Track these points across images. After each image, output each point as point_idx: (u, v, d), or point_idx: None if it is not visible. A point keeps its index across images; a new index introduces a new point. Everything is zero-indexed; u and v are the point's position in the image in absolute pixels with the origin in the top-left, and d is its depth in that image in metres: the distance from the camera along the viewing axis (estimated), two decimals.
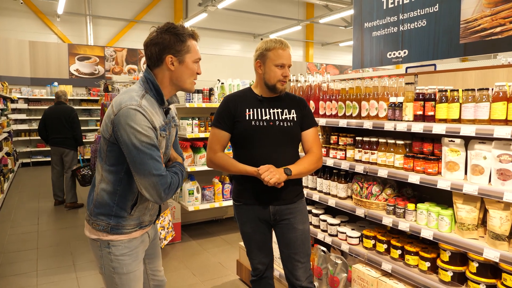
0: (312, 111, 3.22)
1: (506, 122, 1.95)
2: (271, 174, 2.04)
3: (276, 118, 2.23)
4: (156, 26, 1.73)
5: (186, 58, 1.72)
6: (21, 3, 10.76)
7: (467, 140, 2.19)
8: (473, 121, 2.08)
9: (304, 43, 17.47)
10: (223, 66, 5.89)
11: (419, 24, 2.87)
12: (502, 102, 1.94)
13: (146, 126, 1.59)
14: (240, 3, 13.36)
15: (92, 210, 1.77)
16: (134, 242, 1.82)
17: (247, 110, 2.23)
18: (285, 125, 2.23)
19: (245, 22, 15.29)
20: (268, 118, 2.22)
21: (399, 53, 3.05)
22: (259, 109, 2.24)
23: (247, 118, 2.22)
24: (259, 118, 2.22)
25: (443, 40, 2.72)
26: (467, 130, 2.04)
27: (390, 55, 3.13)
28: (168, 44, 1.67)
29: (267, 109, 2.25)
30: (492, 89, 2.03)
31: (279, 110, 2.26)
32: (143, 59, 12.97)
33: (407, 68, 3.07)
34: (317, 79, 3.29)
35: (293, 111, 2.29)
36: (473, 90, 2.08)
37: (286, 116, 2.25)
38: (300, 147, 2.44)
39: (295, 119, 2.27)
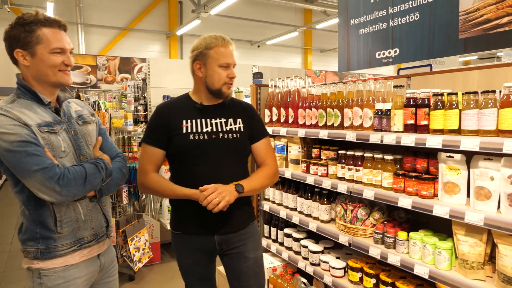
0: (291, 119, 2.82)
1: None
2: (220, 196, 1.70)
3: (220, 130, 1.90)
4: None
5: (38, 49, 1.50)
6: (8, 11, 10.49)
7: (470, 156, 1.76)
8: (476, 132, 1.66)
9: (303, 50, 17.12)
10: None
11: (411, 17, 2.46)
12: None
13: (11, 125, 1.43)
14: (235, 10, 13.05)
15: (20, 238, 1.61)
16: (71, 271, 1.58)
17: (184, 121, 1.88)
18: (231, 137, 1.91)
19: (242, 29, 14.97)
20: (209, 130, 1.89)
21: (389, 53, 2.64)
22: (198, 120, 1.90)
23: (184, 131, 1.86)
24: (199, 130, 1.88)
25: (439, 35, 2.31)
26: (469, 143, 1.62)
27: (379, 55, 2.72)
28: (14, 37, 1.50)
29: (208, 120, 1.91)
30: (500, 92, 1.61)
31: (223, 120, 1.93)
32: (137, 68, 12.66)
33: (399, 70, 2.66)
34: (297, 84, 2.88)
35: (239, 120, 1.96)
36: (475, 93, 1.66)
37: (231, 127, 1.93)
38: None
39: (242, 130, 1.95)
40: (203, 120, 1.90)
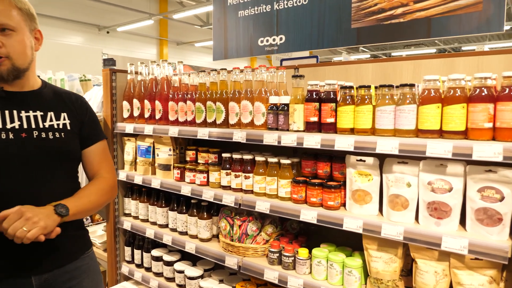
0: (159, 115, 2.25)
1: (440, 133, 1.34)
2: (29, 224, 1.17)
3: (34, 126, 1.38)
4: None
5: None
6: None
7: (381, 159, 1.53)
8: (392, 132, 1.43)
9: (158, 41, 16.16)
10: (58, 57, 4.54)
11: (299, 1, 2.18)
12: (436, 104, 1.32)
13: None
14: None
15: None
16: None
17: None
18: (51, 136, 1.40)
19: (87, 10, 13.17)
20: (17, 127, 1.35)
21: (274, 40, 2.32)
22: None
23: None
24: (0, 126, 1.32)
25: (330, 23, 2.08)
26: (387, 145, 1.38)
27: (262, 42, 2.38)
28: None
29: (14, 111, 1.36)
30: (419, 86, 1.41)
31: (38, 113, 1.41)
32: None
33: (282, 60, 2.36)
34: (166, 71, 2.32)
35: (63, 115, 1.47)
36: (391, 86, 1.43)
37: (52, 123, 1.43)
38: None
39: (69, 127, 1.47)
40: (7, 112, 1.34)
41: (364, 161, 1.53)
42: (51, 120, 1.42)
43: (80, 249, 1.50)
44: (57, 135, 1.42)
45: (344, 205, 1.65)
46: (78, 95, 1.59)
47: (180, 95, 2.15)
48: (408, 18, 1.84)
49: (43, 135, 1.38)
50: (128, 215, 2.58)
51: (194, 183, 2.13)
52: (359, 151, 1.46)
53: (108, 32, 14.03)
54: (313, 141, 1.57)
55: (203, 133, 1.99)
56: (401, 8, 1.85)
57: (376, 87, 1.49)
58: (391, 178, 1.47)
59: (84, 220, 3.22)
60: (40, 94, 1.46)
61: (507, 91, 1.20)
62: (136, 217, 2.52)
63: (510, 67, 1.53)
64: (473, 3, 1.66)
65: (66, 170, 1.47)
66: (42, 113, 1.41)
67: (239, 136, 1.83)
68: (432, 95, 1.32)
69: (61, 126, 1.44)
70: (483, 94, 1.24)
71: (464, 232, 1.32)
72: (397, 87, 1.43)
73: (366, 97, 1.47)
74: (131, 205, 2.54)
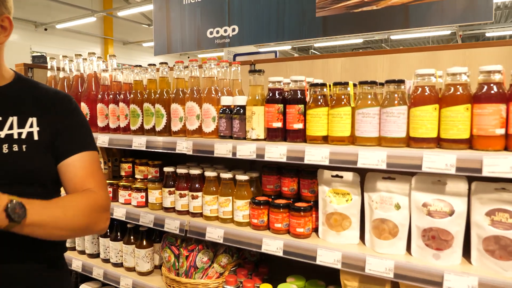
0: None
1: (438, 142, 1.07)
2: None
3: None
4: None
5: None
6: None
7: (362, 174, 1.24)
8: (377, 141, 1.14)
9: (102, 40, 15.26)
10: None
11: None
12: (433, 106, 1.04)
13: None
14: None
15: None
16: None
17: None
18: (6, 150, 1.03)
19: (22, 5, 12.08)
20: None
21: (226, 31, 1.98)
22: None
23: None
24: None
25: (291, 11, 1.78)
26: (372, 158, 1.08)
27: (212, 33, 2.03)
28: None
29: None
30: (412, 83, 1.12)
31: None
32: None
33: (235, 55, 2.03)
34: (95, 66, 1.91)
35: (32, 120, 1.09)
36: (373, 83, 1.14)
37: (10, 132, 1.05)
38: None
39: (36, 138, 1.07)
40: None
41: (342, 177, 1.23)
42: (11, 127, 1.05)
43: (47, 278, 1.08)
44: (15, 148, 1.04)
45: (316, 230, 1.34)
46: (63, 93, 1.17)
47: (111, 96, 1.75)
48: (382, 5, 1.58)
49: None
50: None
51: (130, 203, 1.74)
52: (336, 165, 1.15)
53: (46, 29, 12.96)
54: (277, 152, 1.24)
55: (139, 143, 1.60)
56: None
57: (355, 85, 1.19)
58: (375, 198, 1.18)
59: None
60: (3, 93, 1.07)
61: None
62: None
63: (502, 60, 1.31)
64: None
65: (30, 197, 1.00)
66: None
67: (183, 146, 1.47)
68: (427, 93, 1.05)
69: (23, 136, 1.06)
70: (493, 92, 0.98)
71: (469, 267, 1.05)
72: (381, 84, 1.15)
73: (343, 96, 1.17)
74: None
